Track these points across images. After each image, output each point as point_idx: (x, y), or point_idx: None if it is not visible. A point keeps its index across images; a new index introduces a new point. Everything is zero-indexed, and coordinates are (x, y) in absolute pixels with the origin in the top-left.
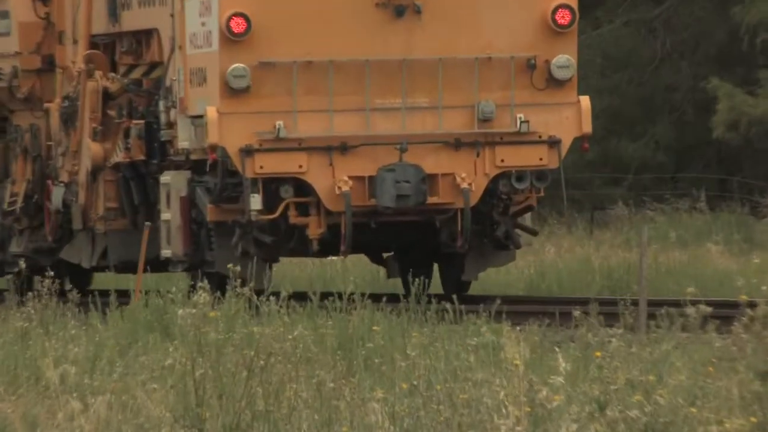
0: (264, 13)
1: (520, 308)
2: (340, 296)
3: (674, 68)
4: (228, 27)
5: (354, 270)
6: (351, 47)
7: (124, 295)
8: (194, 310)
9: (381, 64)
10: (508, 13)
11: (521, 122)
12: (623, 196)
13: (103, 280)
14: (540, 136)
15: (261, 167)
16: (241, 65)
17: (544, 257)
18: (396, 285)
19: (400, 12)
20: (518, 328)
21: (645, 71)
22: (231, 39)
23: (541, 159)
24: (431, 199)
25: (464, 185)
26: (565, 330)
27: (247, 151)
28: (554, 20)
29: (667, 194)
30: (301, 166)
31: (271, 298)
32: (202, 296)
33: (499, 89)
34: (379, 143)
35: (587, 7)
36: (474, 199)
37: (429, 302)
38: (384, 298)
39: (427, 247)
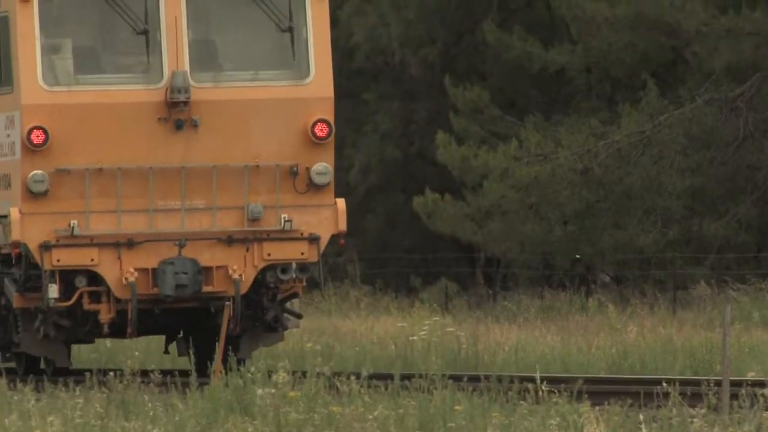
0: (60, 127)
1: (601, 388)
2: (421, 376)
3: (757, 147)
4: (29, 138)
5: (436, 350)
6: (137, 156)
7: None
8: (274, 390)
9: (163, 170)
10: (274, 127)
11: (285, 221)
12: (706, 276)
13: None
14: (302, 234)
15: (58, 260)
16: (40, 172)
17: (626, 337)
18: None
19: (179, 125)
20: (599, 408)
21: (727, 150)
22: (31, 149)
23: (302, 253)
24: (206, 288)
25: (235, 276)
26: (648, 410)
27: (46, 247)
28: (314, 133)
29: (750, 274)
30: (93, 260)
31: (352, 377)
32: (282, 376)
33: (266, 192)
34: (161, 240)
35: (670, 85)
36: (244, 288)
37: (511, 382)
38: (465, 378)
39: (207, 329)
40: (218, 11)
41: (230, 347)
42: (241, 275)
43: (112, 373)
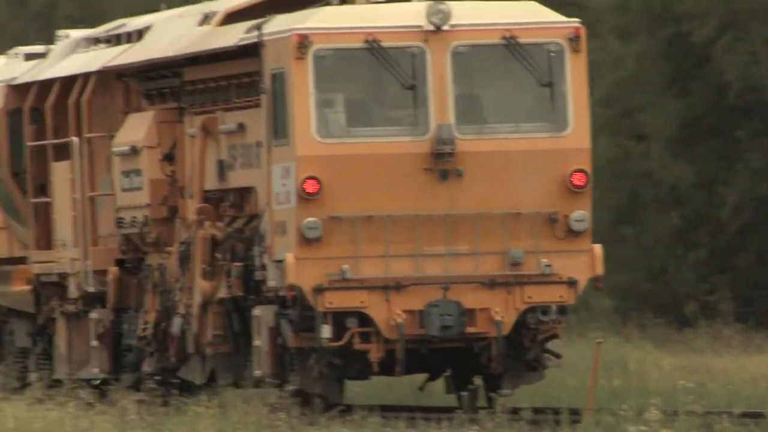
0: (333, 177)
1: None
2: None
3: None
4: (303, 188)
5: None
6: (404, 204)
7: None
8: (646, 428)
9: (429, 218)
10: (534, 176)
11: (545, 266)
12: None
13: None
14: (560, 278)
15: (330, 303)
16: (314, 219)
17: None
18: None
19: (444, 175)
20: None
21: None
22: (305, 198)
23: (561, 296)
24: (470, 329)
25: (498, 318)
26: None
27: (319, 290)
28: (572, 182)
29: None
30: (363, 302)
31: (723, 416)
32: (654, 414)
33: (527, 238)
34: (427, 283)
35: None
36: (506, 330)
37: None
38: None
39: (470, 367)
40: (481, 67)
41: (492, 384)
42: (503, 317)
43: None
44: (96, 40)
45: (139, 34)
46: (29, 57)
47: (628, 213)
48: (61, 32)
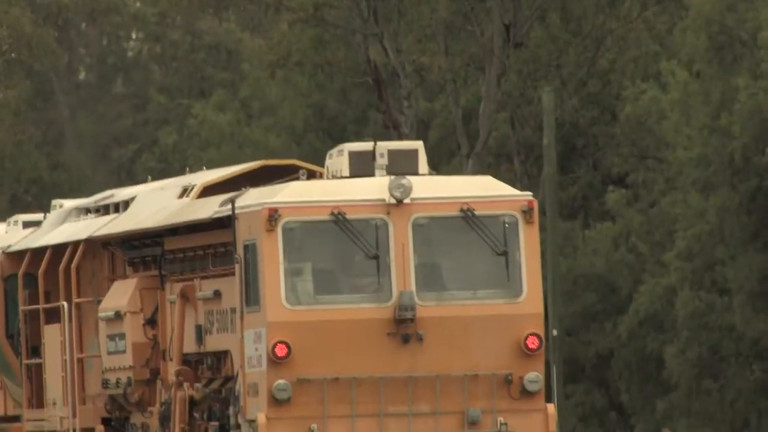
0: (301, 342)
1: None
2: None
3: None
4: (273, 352)
5: None
6: (369, 366)
7: None
8: None
9: (392, 379)
10: (490, 340)
11: (501, 424)
12: None
13: None
14: None
15: None
16: (284, 381)
17: None
18: None
19: (406, 339)
20: None
21: None
22: (275, 361)
23: None
24: None
25: None
26: None
27: None
28: (526, 345)
29: None
30: None
31: None
32: None
33: (484, 398)
34: None
35: None
36: None
37: None
38: None
39: None
40: (440, 237)
41: None
42: None
43: None
44: (86, 210)
45: (125, 205)
46: (26, 225)
47: (710, 366)
48: (55, 201)
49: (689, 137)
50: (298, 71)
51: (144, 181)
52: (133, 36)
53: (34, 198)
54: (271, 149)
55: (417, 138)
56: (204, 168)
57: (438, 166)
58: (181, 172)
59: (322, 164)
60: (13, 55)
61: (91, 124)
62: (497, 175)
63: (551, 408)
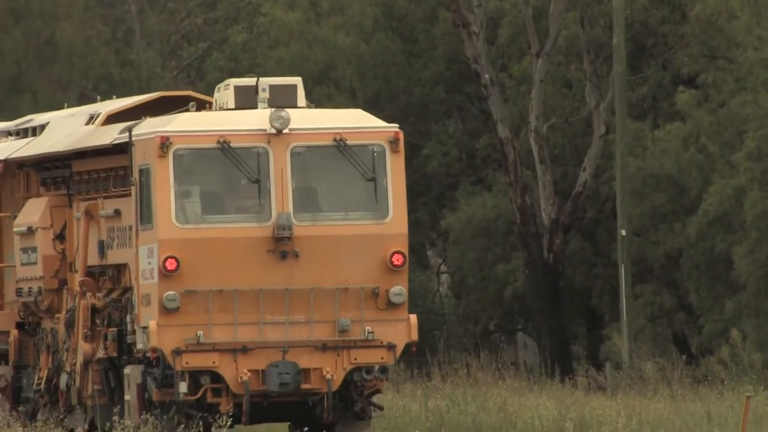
0: (189, 257)
1: None
2: None
3: None
4: (164, 266)
5: None
6: (250, 280)
7: None
8: None
9: (271, 292)
10: (359, 257)
11: (368, 333)
12: None
13: None
14: (381, 342)
15: (187, 363)
16: (173, 292)
17: None
18: None
19: (284, 255)
20: None
21: None
22: (166, 274)
23: (382, 358)
24: (305, 386)
25: (328, 376)
26: None
27: (177, 352)
28: (391, 262)
29: None
30: (214, 362)
31: None
32: None
33: (353, 309)
34: (269, 347)
35: None
36: (335, 386)
37: None
38: None
39: (307, 418)
40: (316, 165)
41: None
42: (333, 375)
43: None
44: (8, 133)
45: (41, 129)
46: None
47: None
48: None
49: (760, 38)
50: None
51: (215, 79)
52: None
53: (102, 95)
54: (340, 48)
55: (487, 37)
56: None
57: (508, 66)
58: (250, 70)
59: (397, 65)
60: None
61: (161, 21)
62: (566, 75)
63: (414, 318)
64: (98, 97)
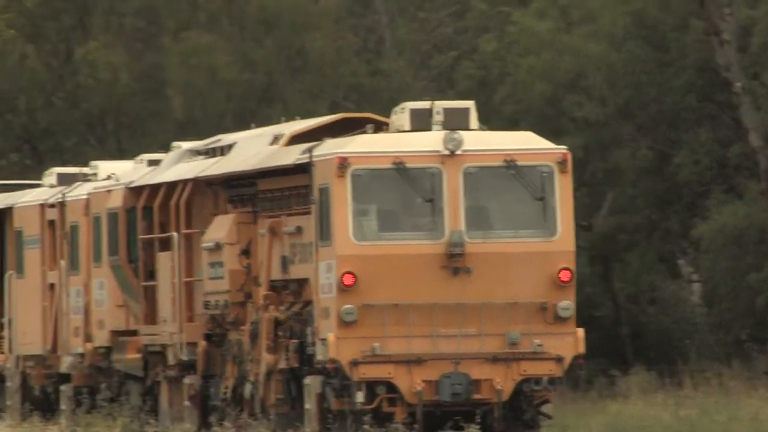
0: (366, 272)
1: None
2: None
3: None
4: (342, 281)
5: None
6: (424, 294)
7: None
8: None
9: (443, 306)
10: (528, 273)
11: (537, 345)
12: None
13: None
14: (550, 355)
15: (364, 373)
16: (350, 306)
17: None
18: None
19: (456, 271)
20: None
21: None
22: (343, 289)
23: (550, 370)
24: (476, 396)
25: (498, 387)
26: None
27: (354, 363)
28: (559, 278)
29: None
30: (390, 373)
31: None
32: None
33: (522, 323)
34: (442, 358)
35: None
36: (505, 396)
37: None
38: None
39: (477, 427)
40: (487, 184)
41: None
42: (503, 386)
43: None
44: (197, 152)
45: (228, 149)
46: (151, 163)
47: None
48: (175, 143)
49: None
50: None
51: (465, 88)
52: None
53: (354, 105)
54: (590, 56)
55: (738, 45)
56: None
57: (760, 74)
58: (500, 79)
59: (647, 73)
60: None
61: (411, 31)
62: None
63: (580, 332)
64: (296, 117)
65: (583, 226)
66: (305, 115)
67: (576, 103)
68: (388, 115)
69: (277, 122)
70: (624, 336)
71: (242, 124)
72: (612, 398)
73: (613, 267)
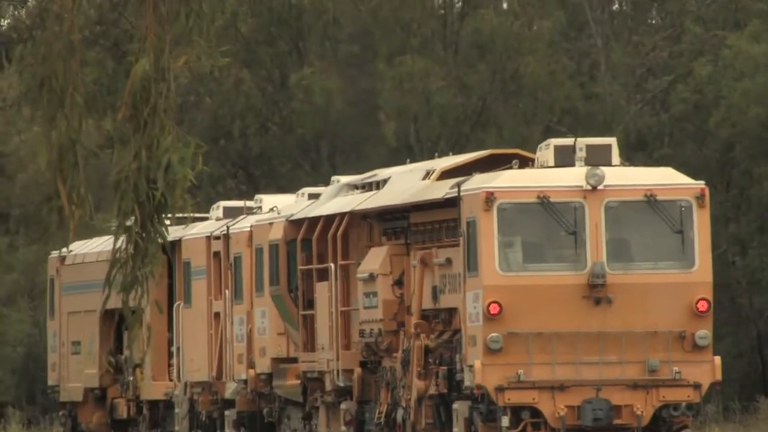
0: (511, 302)
1: None
2: None
3: None
4: (488, 310)
5: None
6: (566, 323)
7: None
8: None
9: (585, 334)
10: (668, 303)
11: (675, 373)
12: None
13: None
14: (688, 382)
15: (509, 399)
16: (496, 334)
17: None
18: None
19: (597, 301)
20: None
21: None
22: (490, 318)
23: (689, 396)
24: (617, 421)
25: (638, 413)
26: None
27: (500, 389)
28: (697, 308)
29: None
30: (534, 398)
31: None
32: None
33: (661, 351)
34: (584, 384)
35: None
36: (645, 422)
37: None
38: None
39: None
40: (627, 217)
41: None
42: (642, 412)
43: None
44: (355, 186)
45: (383, 183)
46: (311, 196)
47: None
48: (334, 178)
49: None
50: None
51: (679, 112)
52: None
53: (568, 128)
54: None
55: None
56: None
57: None
58: (715, 103)
59: None
60: None
61: (626, 54)
62: None
63: (718, 360)
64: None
65: None
66: (519, 140)
67: None
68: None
69: (492, 146)
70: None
71: (456, 148)
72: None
73: None
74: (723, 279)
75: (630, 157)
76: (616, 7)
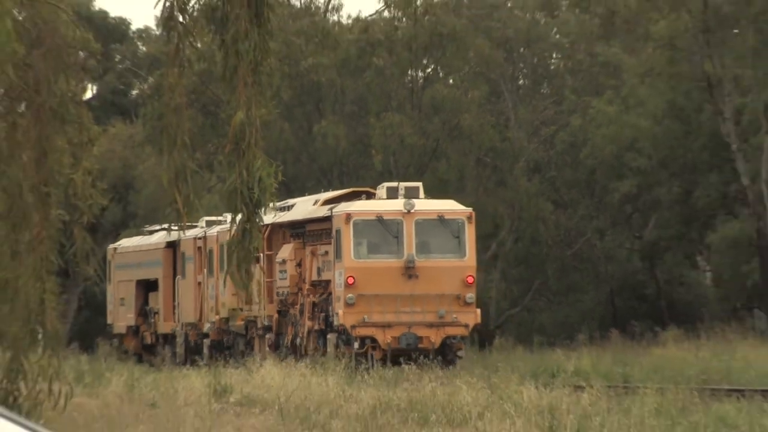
0: (360, 277)
1: None
2: None
3: None
4: (347, 281)
5: None
6: (391, 289)
7: None
8: None
9: (402, 296)
10: (450, 278)
11: (454, 318)
12: None
13: None
14: (461, 323)
15: (359, 332)
16: (351, 295)
17: None
18: None
19: (410, 277)
20: None
21: None
22: (348, 286)
23: (462, 331)
24: (420, 345)
25: (433, 340)
26: None
27: (354, 327)
28: (466, 281)
29: None
30: (373, 332)
31: None
32: None
33: (447, 305)
34: (402, 324)
35: None
36: (437, 346)
37: None
38: None
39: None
40: (428, 228)
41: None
42: (435, 341)
43: None
44: (278, 209)
45: (292, 207)
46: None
47: None
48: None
49: None
50: None
51: None
52: None
53: (491, 160)
54: (641, 128)
55: (735, 121)
56: None
57: (749, 139)
58: (583, 143)
59: (672, 140)
60: None
61: (527, 112)
62: None
63: (478, 311)
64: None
65: (636, 237)
66: (460, 167)
67: (632, 158)
68: None
69: (443, 173)
70: (663, 306)
71: (419, 173)
72: (654, 346)
73: (656, 263)
74: (588, 255)
75: (530, 179)
76: (521, 82)
